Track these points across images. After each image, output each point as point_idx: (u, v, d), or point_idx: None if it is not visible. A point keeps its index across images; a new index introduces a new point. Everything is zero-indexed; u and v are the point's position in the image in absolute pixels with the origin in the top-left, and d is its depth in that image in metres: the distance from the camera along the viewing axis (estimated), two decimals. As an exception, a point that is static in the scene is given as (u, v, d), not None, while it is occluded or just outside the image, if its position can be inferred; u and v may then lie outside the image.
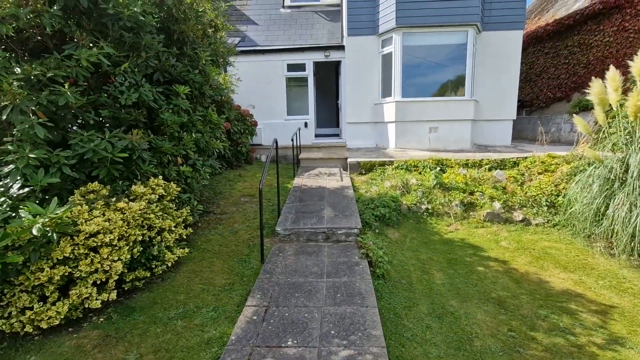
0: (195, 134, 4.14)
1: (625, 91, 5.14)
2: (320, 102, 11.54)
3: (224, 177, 6.81)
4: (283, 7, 10.21)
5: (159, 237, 3.11)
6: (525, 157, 7.20)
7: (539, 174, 6.63)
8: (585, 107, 8.43)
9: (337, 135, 10.50)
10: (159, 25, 4.01)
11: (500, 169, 7.01)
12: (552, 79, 11.37)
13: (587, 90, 9.49)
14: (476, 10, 7.67)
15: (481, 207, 5.96)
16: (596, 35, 9.62)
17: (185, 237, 3.75)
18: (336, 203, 5.28)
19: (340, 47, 8.86)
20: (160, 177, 3.25)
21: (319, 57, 9.01)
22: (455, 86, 8.38)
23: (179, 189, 3.57)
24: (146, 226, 2.96)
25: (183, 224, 3.78)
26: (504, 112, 8.80)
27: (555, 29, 11.04)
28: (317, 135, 10.01)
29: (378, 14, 8.27)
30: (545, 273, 4.34)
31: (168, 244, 3.22)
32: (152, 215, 2.93)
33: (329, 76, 11.78)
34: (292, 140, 6.85)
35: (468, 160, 7.11)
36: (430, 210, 5.86)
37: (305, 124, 9.27)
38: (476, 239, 5.28)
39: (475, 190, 6.23)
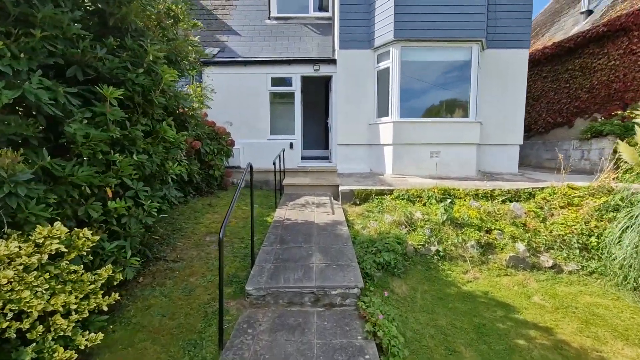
0: (137, 156, 2.98)
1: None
2: (308, 121, 10.59)
3: (190, 208, 5.60)
4: (269, 18, 9.40)
5: (41, 326, 1.89)
6: (542, 188, 6.32)
7: (561, 207, 5.73)
8: (599, 133, 7.74)
9: (326, 158, 9.49)
10: (92, 8, 2.93)
11: (516, 201, 6.08)
12: (551, 103, 10.87)
13: (596, 115, 8.89)
14: (482, 25, 7.00)
15: (501, 248, 4.95)
16: (600, 59, 9.16)
17: (107, 307, 2.51)
18: (328, 246, 4.15)
19: (331, 61, 8.00)
20: (59, 223, 2.06)
21: (308, 71, 8.11)
22: (458, 107, 7.59)
23: (97, 237, 2.37)
24: (10, 314, 1.75)
25: (106, 286, 2.55)
26: (510, 136, 8.03)
27: (554, 52, 10.63)
28: (304, 158, 8.97)
29: (374, 25, 7.51)
30: (605, 348, 3.29)
31: (63, 333, 1.99)
32: (24, 294, 1.74)
33: (318, 93, 10.91)
34: (274, 164, 5.75)
35: (478, 190, 6.17)
36: (441, 253, 4.81)
37: (291, 145, 8.23)
38: (502, 293, 4.22)
39: (493, 227, 5.24)
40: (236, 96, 8.03)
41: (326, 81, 9.41)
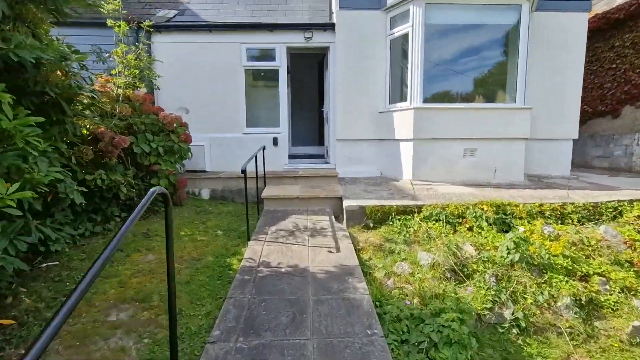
0: None
1: None
2: (298, 110, 8.58)
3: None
4: (246, -25, 7.25)
5: None
6: (631, 201, 4.47)
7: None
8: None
9: (321, 157, 7.50)
10: None
11: (597, 221, 4.22)
12: (590, 89, 9.03)
13: None
14: (538, -27, 5.04)
15: (613, 309, 3.07)
16: (663, 29, 7.30)
17: None
18: (336, 338, 2.17)
19: (328, 27, 5.97)
20: None
21: (297, 40, 6.06)
22: (500, 88, 5.68)
23: None
24: None
25: None
26: (562, 127, 6.19)
27: (596, 27, 8.75)
28: (292, 157, 6.97)
29: (387, -25, 5.48)
30: None
31: None
32: None
33: (310, 72, 8.89)
34: (243, 171, 3.72)
35: (542, 205, 4.30)
36: (521, 322, 2.89)
37: (275, 141, 6.20)
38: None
39: (589, 270, 3.35)
40: (197, 74, 5.95)
41: (321, 57, 7.36)
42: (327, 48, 6.23)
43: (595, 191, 5.10)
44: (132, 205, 4.10)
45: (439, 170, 5.50)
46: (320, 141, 8.30)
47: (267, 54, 6.15)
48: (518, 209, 4.22)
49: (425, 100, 5.48)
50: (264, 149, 5.25)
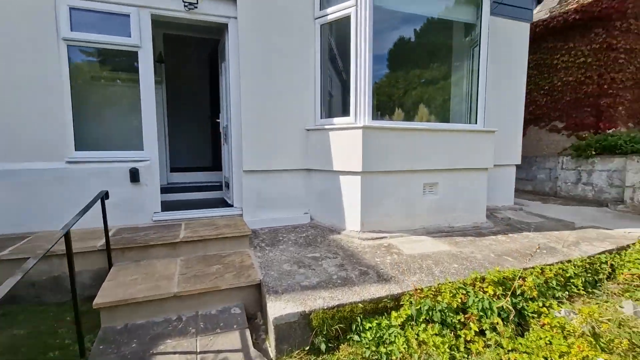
0: None
1: None
2: (181, 120, 6.02)
3: None
4: None
5: None
6: (625, 247, 3.72)
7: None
8: (610, 149, 5.75)
9: (217, 188, 5.19)
10: None
11: (596, 285, 3.26)
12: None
13: (557, 123, 7.12)
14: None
15: None
16: (564, 55, 7.57)
17: None
18: None
19: (226, -6, 3.79)
20: None
21: (170, 5, 3.66)
22: (459, 103, 4.46)
23: None
24: None
25: None
26: (507, 151, 5.43)
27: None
28: (168, 191, 4.47)
29: None
30: None
31: None
32: None
33: (199, 66, 6.42)
34: (67, 239, 1.33)
35: (544, 270, 3.13)
36: None
37: (134, 175, 3.63)
38: None
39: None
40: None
41: (215, 44, 5.08)
42: (224, 28, 4.03)
43: (563, 231, 4.31)
44: None
45: (395, 214, 3.91)
46: (216, 164, 5.94)
47: (113, 24, 3.54)
48: (525, 284, 2.88)
49: (377, 116, 3.84)
50: (103, 198, 2.73)
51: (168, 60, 5.80)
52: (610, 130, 6.60)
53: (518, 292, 2.81)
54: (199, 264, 3.07)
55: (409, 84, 4.28)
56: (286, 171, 4.13)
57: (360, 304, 2.47)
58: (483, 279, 2.84)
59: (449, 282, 2.77)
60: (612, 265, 3.56)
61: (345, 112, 3.93)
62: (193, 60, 6.70)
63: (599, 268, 3.48)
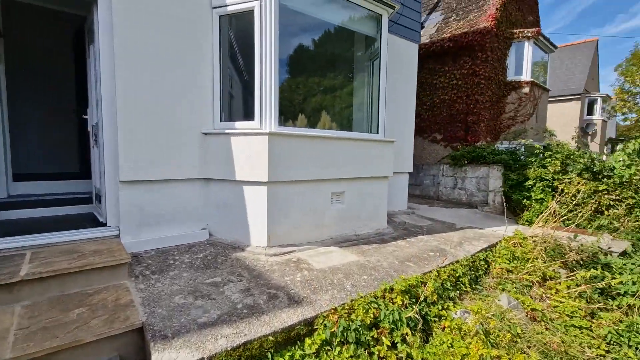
0: None
1: None
2: (30, 113, 4.68)
3: None
4: None
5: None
6: (495, 244, 4.33)
7: (548, 287, 3.81)
8: (477, 160, 6.78)
9: (85, 202, 4.15)
10: None
11: (478, 281, 3.72)
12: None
13: (436, 135, 8.24)
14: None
15: None
16: (441, 77, 8.75)
17: None
18: None
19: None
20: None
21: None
22: (360, 112, 4.58)
23: None
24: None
25: None
26: (403, 159, 5.88)
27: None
28: (9, 208, 3.35)
29: None
30: None
31: None
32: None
33: (59, 47, 5.14)
34: None
35: (439, 273, 3.37)
36: None
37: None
38: None
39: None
40: None
41: (81, 21, 4.08)
42: (93, 2, 3.20)
43: (449, 233, 4.83)
44: None
45: (304, 226, 3.72)
46: (85, 170, 4.81)
47: None
48: (427, 289, 3.03)
49: (284, 121, 3.59)
50: None
51: (10, 34, 4.42)
52: (479, 143, 7.86)
53: (422, 297, 2.92)
54: (51, 309, 2.27)
55: (312, 90, 4.18)
56: (179, 181, 3.52)
57: (270, 337, 2.15)
58: (392, 289, 2.87)
59: (361, 297, 2.69)
60: (487, 261, 4.11)
61: (248, 115, 3.56)
62: (51, 39, 5.30)
63: (478, 265, 3.96)
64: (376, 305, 2.64)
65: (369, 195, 4.38)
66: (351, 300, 2.62)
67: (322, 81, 4.34)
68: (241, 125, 3.52)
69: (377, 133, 4.51)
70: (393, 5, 4.31)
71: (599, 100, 17.09)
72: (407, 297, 2.84)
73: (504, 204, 5.76)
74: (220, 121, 3.63)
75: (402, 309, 2.72)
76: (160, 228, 3.43)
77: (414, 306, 2.75)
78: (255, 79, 3.40)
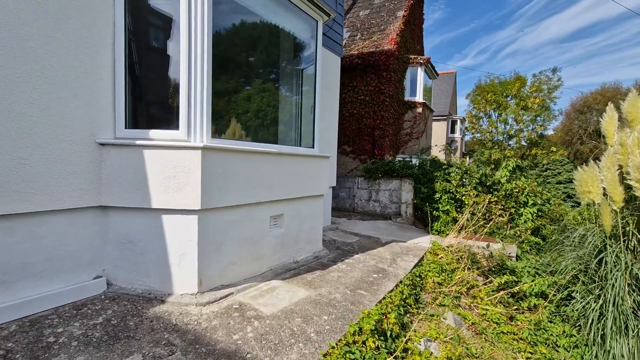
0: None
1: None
2: None
3: None
4: None
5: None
6: (422, 258, 4.49)
7: (474, 296, 4.11)
8: (389, 173, 7.13)
9: None
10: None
11: (418, 297, 3.78)
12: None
13: (345, 147, 8.48)
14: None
15: None
16: (350, 91, 9.07)
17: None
18: None
19: None
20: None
21: None
22: (290, 125, 4.19)
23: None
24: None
25: None
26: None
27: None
28: None
29: None
30: None
31: None
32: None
33: None
34: None
35: (392, 297, 3.27)
36: None
37: None
38: None
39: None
40: None
41: None
42: None
43: (379, 249, 4.84)
44: None
45: (240, 260, 3.06)
46: None
47: None
48: (390, 320, 2.82)
49: (216, 133, 2.89)
50: None
51: None
52: (391, 158, 8.34)
53: (389, 333, 2.68)
54: None
55: (237, 96, 3.57)
56: (55, 213, 2.41)
57: None
58: (360, 330, 2.53)
59: (333, 348, 2.27)
60: (421, 276, 4.22)
61: (168, 123, 2.73)
62: None
63: (416, 282, 4.02)
64: (352, 356, 2.26)
65: (306, 216, 3.98)
66: (324, 355, 2.18)
67: (251, 86, 3.76)
68: (159, 134, 2.66)
69: (313, 147, 4.17)
70: (329, 12, 4.08)
71: (459, 122, 20.91)
72: (376, 336, 2.55)
73: (416, 215, 6.20)
74: (126, 128, 2.68)
75: (376, 352, 2.41)
76: (27, 284, 2.27)
77: (383, 344, 2.48)
78: (181, 75, 2.62)
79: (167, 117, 2.82)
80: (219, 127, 3.13)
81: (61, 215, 2.46)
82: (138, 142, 2.59)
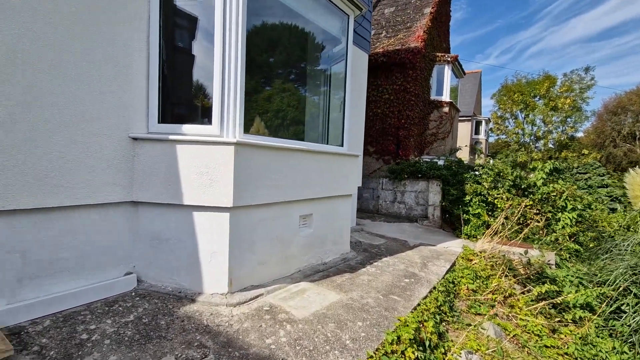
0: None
1: None
2: None
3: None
4: None
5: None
6: (454, 263, 4.27)
7: (513, 306, 3.87)
8: (415, 174, 6.91)
9: None
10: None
11: (453, 305, 3.57)
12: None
13: (369, 148, 8.29)
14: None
15: None
16: (374, 90, 8.88)
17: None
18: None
19: None
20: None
21: None
22: (322, 123, 4.08)
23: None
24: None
25: None
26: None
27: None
28: None
29: None
30: None
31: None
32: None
33: None
34: None
35: (427, 304, 3.10)
36: None
37: None
38: None
39: None
40: None
41: None
42: None
43: (407, 252, 4.66)
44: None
45: (270, 260, 2.98)
46: None
47: None
48: (427, 329, 2.65)
49: (248, 129, 2.82)
50: None
51: None
52: (416, 159, 8.11)
53: (427, 343, 2.52)
54: None
55: (269, 93, 3.49)
56: (88, 207, 2.39)
57: None
58: (399, 339, 2.39)
59: (371, 358, 2.14)
60: (454, 283, 4.02)
61: (201, 117, 2.68)
62: None
63: (449, 288, 3.83)
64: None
65: (335, 216, 3.86)
66: (364, 366, 2.05)
67: (283, 83, 3.68)
68: (192, 129, 2.61)
69: (342, 146, 4.05)
70: (361, 6, 3.95)
71: (483, 123, 20.29)
72: (415, 346, 2.40)
73: (444, 218, 5.96)
74: (159, 122, 2.64)
75: (417, 369, 2.26)
76: (57, 280, 2.26)
77: (422, 355, 2.33)
78: (214, 68, 2.55)
79: (199, 113, 2.77)
80: (247, 124, 3.05)
81: (95, 211, 2.43)
82: (171, 137, 2.54)
